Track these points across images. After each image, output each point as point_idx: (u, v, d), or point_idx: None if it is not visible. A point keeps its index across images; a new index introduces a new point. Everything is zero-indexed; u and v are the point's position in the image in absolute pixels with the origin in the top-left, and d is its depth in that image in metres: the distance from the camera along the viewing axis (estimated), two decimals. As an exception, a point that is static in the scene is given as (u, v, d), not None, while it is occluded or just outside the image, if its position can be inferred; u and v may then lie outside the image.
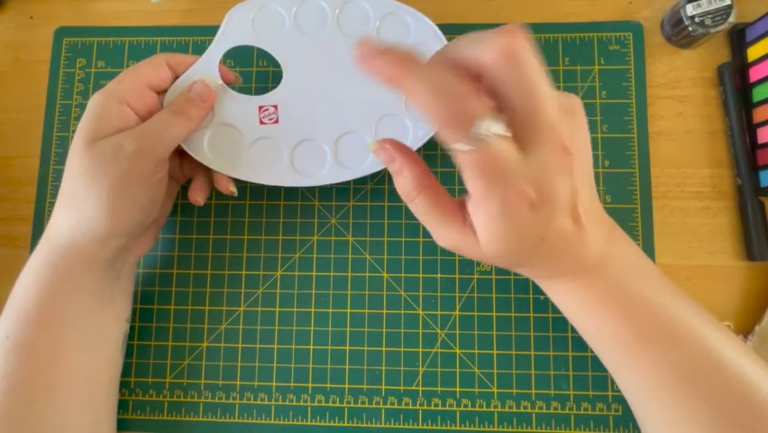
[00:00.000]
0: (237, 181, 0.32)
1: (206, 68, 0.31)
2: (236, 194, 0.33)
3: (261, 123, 0.32)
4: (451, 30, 0.36)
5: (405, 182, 0.25)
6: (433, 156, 0.36)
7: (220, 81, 0.31)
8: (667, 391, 0.25)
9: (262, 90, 0.32)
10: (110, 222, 0.27)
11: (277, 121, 0.32)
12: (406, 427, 0.33)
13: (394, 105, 0.32)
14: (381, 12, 0.32)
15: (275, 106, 0.32)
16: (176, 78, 0.31)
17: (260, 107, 0.32)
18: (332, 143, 0.32)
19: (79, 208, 0.28)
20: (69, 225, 0.28)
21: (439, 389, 0.33)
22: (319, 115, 0.32)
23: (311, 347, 0.34)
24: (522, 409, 0.33)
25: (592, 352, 0.33)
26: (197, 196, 0.32)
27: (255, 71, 0.37)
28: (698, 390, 0.25)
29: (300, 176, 0.32)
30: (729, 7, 0.32)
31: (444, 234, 0.25)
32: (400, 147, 0.26)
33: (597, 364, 0.33)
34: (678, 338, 0.26)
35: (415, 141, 0.32)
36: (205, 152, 0.31)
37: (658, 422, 0.26)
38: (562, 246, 0.25)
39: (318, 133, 0.32)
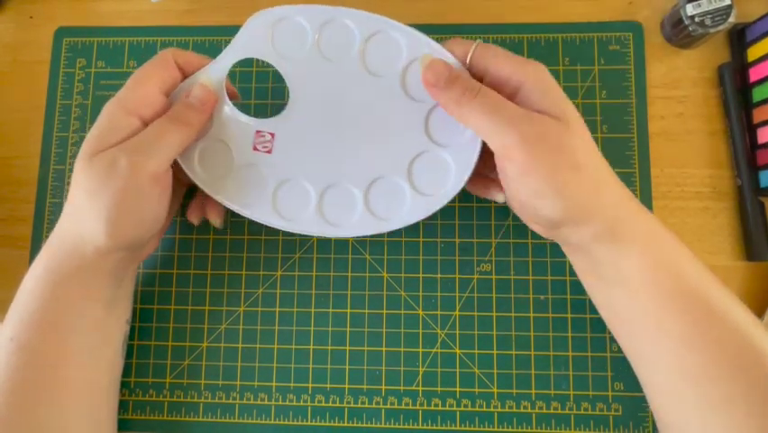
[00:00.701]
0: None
1: (216, 74, 0.29)
2: (219, 227, 0.33)
3: (254, 149, 0.30)
4: (451, 30, 0.37)
5: (467, 78, 0.27)
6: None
7: (224, 84, 0.29)
8: (724, 369, 0.25)
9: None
10: (110, 238, 0.27)
11: (270, 151, 0.30)
12: (406, 427, 0.33)
13: (395, 168, 0.29)
14: (415, 52, 0.29)
15: (272, 134, 0.30)
16: (184, 77, 0.29)
17: (258, 132, 0.30)
18: (319, 190, 0.30)
19: (81, 221, 0.27)
20: (73, 234, 0.28)
21: (439, 389, 0.33)
22: (313, 156, 0.30)
23: (311, 347, 0.34)
24: (522, 410, 0.33)
25: (592, 352, 0.33)
26: (193, 217, 0.33)
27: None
28: (746, 367, 0.25)
29: (280, 218, 0.30)
30: (729, 7, 0.32)
31: (511, 121, 0.26)
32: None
33: (597, 364, 0.33)
34: (726, 319, 0.25)
35: (411, 211, 0.30)
36: (195, 165, 0.30)
37: (695, 403, 0.26)
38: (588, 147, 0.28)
39: (307, 175, 0.30)
